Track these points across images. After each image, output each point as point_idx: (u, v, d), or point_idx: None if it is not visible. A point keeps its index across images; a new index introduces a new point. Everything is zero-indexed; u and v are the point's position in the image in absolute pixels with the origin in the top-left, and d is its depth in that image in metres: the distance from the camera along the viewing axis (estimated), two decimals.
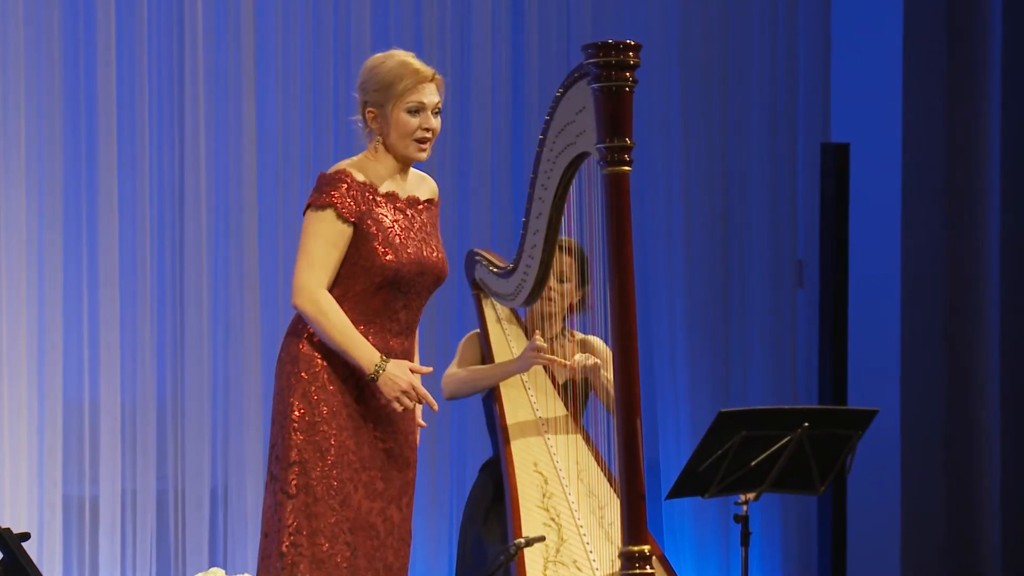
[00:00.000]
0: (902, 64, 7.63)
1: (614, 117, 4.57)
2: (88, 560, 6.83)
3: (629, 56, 4.58)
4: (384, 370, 4.73)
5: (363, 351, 4.73)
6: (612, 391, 5.05)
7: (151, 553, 6.88)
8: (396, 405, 4.76)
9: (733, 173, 7.82)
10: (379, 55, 4.85)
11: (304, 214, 4.78)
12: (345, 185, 4.76)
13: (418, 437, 5.01)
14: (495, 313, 5.57)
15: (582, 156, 4.76)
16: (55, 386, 6.77)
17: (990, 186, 7.67)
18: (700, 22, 7.74)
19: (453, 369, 5.46)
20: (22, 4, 6.72)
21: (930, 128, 7.69)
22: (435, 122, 4.81)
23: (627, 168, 4.58)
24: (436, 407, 4.90)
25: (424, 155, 4.82)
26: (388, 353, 4.80)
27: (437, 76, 4.81)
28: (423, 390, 4.79)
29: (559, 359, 5.33)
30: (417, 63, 4.79)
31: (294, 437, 4.74)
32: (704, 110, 7.76)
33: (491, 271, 5.29)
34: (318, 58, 7.12)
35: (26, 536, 4.15)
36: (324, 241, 4.73)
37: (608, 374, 5.21)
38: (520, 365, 5.33)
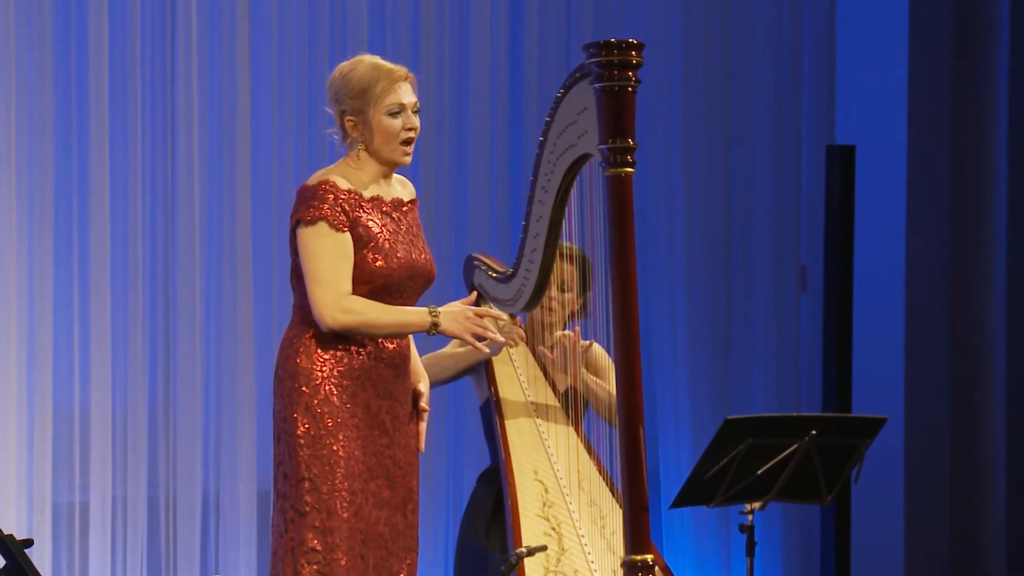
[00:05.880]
0: (907, 65, 7.59)
1: (616, 117, 4.50)
2: (78, 568, 6.81)
3: (632, 55, 4.51)
4: (440, 319, 4.71)
5: (411, 317, 4.71)
6: (609, 399, 4.99)
7: (142, 560, 6.87)
8: (483, 347, 4.76)
9: (736, 176, 7.78)
10: (345, 63, 4.82)
11: (295, 231, 4.71)
12: (332, 195, 4.70)
13: (423, 443, 4.94)
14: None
15: (584, 158, 4.71)
16: (45, 392, 6.74)
17: (996, 189, 7.63)
18: (703, 22, 7.71)
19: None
20: (13, 5, 6.67)
21: (936, 130, 7.65)
22: (416, 121, 4.78)
23: (630, 169, 4.51)
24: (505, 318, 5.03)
25: (409, 159, 4.79)
26: (382, 354, 4.75)
27: (410, 75, 4.79)
28: (484, 312, 4.79)
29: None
30: (388, 64, 4.77)
31: (301, 453, 4.68)
32: (707, 112, 7.73)
33: (490, 276, 5.23)
34: (314, 57, 7.10)
35: (29, 543, 4.13)
36: (329, 255, 4.66)
37: (611, 386, 5.14)
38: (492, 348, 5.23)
